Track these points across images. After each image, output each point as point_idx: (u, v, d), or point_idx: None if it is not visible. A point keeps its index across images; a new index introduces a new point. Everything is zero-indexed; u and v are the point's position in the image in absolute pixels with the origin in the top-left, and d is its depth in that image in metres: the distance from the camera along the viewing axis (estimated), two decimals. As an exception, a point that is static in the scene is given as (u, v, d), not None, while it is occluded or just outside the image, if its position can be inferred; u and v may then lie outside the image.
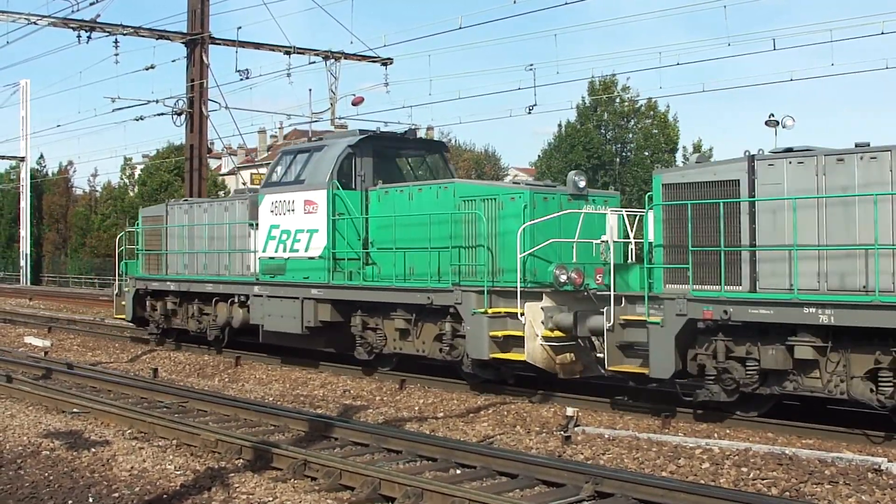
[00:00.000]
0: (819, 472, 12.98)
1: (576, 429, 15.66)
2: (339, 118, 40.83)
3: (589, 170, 59.65)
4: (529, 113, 35.10)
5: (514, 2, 26.88)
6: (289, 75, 38.31)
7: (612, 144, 60.36)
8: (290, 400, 20.03)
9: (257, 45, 39.83)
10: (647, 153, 58.91)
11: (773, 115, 73.62)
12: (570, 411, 16.01)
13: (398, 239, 21.31)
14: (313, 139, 25.12)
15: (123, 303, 30.70)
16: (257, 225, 24.77)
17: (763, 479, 12.70)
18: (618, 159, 60.24)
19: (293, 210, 23.13)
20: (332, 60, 37.52)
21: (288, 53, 38.62)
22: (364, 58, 39.43)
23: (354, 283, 21.99)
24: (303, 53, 38.57)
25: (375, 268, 22.11)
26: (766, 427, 16.32)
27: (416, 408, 19.13)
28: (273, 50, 39.61)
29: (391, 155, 24.18)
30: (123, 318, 31.44)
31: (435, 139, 26.34)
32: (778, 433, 15.98)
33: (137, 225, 31.05)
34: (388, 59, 39.39)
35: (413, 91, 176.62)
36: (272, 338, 24.35)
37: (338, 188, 22.40)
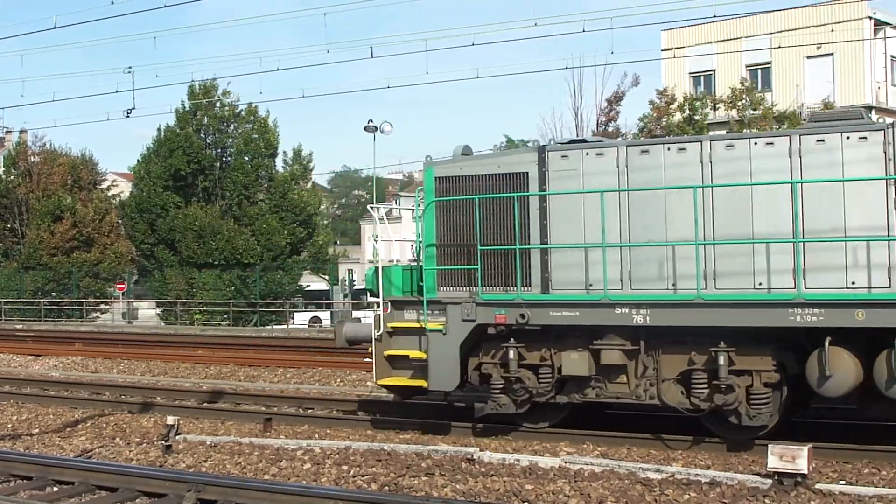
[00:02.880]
0: (416, 465, 13.54)
1: (177, 437, 15.45)
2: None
3: (189, 174, 58.97)
4: (128, 116, 34.03)
5: (112, 2, 25.96)
6: None
7: (212, 149, 59.86)
8: None
9: None
10: (247, 158, 58.90)
11: (371, 121, 75.44)
12: (170, 420, 15.74)
13: None
14: None
15: (409, 353, 16.13)
16: None
17: (363, 476, 13.04)
18: (218, 164, 59.76)
19: None
20: None
21: None
22: (-54, 56, 37.09)
23: None
24: None
25: None
26: (366, 425, 16.83)
27: (10, 425, 18.27)
28: None
29: None
30: (402, 386, 16.55)
31: None
32: (377, 430, 16.52)
33: (425, 196, 16.47)
34: (-28, 57, 37.25)
35: (4, 92, 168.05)
36: None
37: None
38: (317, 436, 16.35)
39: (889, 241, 13.32)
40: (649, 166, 14.82)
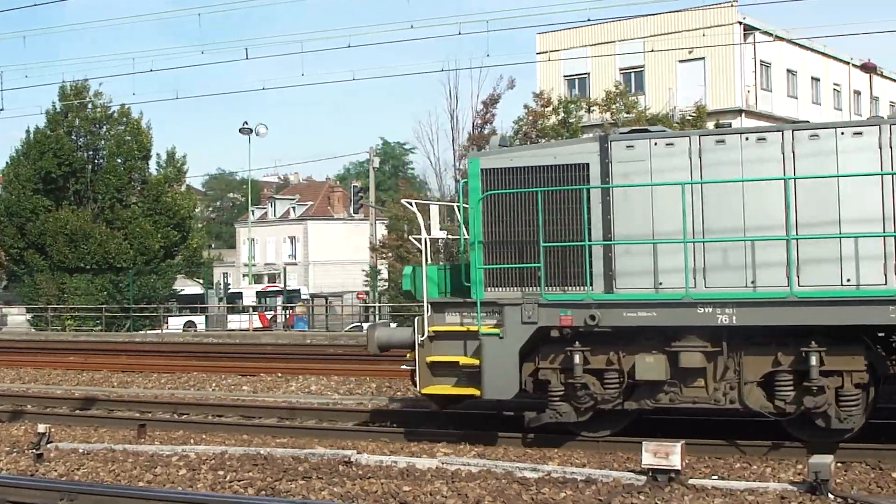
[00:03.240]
0: (293, 469, 13.42)
1: (48, 445, 15.06)
2: None
3: (60, 177, 57.67)
4: (-5, 117, 33.06)
5: (-23, 0, 25.05)
6: None
7: (83, 151, 58.68)
8: None
9: None
10: (119, 160, 57.88)
11: (247, 123, 74.65)
12: (41, 428, 15.33)
13: None
14: None
15: (459, 360, 15.00)
16: None
17: (240, 481, 12.89)
18: (90, 166, 58.59)
19: None
20: None
21: None
22: None
23: None
24: None
25: None
26: (242, 430, 16.68)
27: None
28: None
29: None
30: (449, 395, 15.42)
31: None
32: (253, 435, 16.38)
33: (471, 190, 15.20)
34: None
35: None
36: None
37: None
38: (192, 441, 16.12)
39: None
40: (725, 157, 14.05)
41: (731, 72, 57.36)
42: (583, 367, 14.12)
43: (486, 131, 50.79)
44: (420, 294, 15.14)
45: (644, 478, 11.98)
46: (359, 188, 67.67)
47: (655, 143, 14.38)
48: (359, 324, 52.42)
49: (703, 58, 56.30)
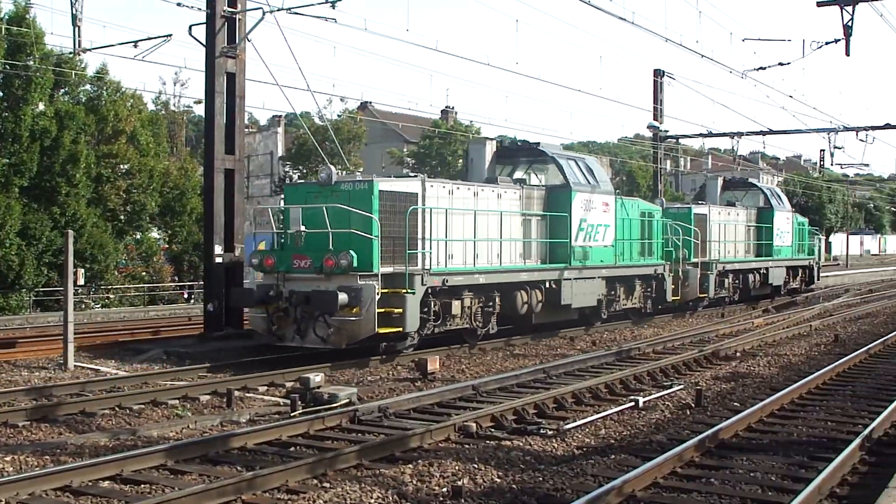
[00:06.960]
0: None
1: None
2: None
3: None
4: None
5: None
6: None
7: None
8: None
9: None
10: None
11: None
12: None
13: (623, 236, 31.22)
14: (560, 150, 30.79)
15: (395, 310, 21.48)
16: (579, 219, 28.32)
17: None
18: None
19: (595, 208, 29.20)
20: None
21: None
22: None
23: (626, 264, 31.20)
24: None
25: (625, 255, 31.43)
26: None
27: None
28: None
29: None
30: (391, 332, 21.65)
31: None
32: None
33: (374, 203, 21.70)
34: None
35: None
36: (572, 312, 29.05)
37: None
38: None
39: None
40: (462, 196, 24.05)
41: None
42: (433, 311, 22.63)
43: None
44: (364, 268, 21.24)
45: None
46: None
47: (443, 186, 23.88)
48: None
49: None
